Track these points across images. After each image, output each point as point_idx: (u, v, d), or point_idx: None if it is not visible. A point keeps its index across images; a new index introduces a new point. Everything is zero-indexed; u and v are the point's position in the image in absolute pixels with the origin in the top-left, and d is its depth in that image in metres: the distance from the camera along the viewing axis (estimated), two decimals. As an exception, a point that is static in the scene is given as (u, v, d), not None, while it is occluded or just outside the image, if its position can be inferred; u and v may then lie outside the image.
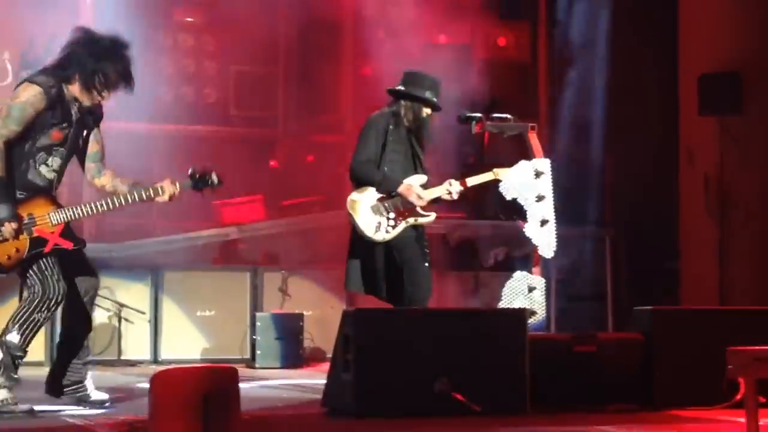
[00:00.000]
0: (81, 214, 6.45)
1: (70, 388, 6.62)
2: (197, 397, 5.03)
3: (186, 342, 9.95)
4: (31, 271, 6.40)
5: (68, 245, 6.42)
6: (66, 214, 6.41)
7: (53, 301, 6.41)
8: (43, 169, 6.42)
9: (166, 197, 6.60)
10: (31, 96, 6.35)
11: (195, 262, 10.88)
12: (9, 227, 6.23)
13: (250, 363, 9.71)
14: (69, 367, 6.62)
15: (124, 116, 9.94)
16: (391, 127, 7.60)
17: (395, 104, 7.70)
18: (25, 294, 6.48)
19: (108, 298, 9.65)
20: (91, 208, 6.47)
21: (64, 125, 6.43)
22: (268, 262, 11.29)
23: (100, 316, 9.37)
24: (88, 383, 6.66)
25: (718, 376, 5.49)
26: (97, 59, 6.45)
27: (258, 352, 9.66)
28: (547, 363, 6.52)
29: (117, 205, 6.50)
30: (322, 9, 12.26)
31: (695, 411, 6.52)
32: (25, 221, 6.31)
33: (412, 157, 7.69)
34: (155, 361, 9.78)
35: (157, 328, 9.89)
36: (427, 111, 7.70)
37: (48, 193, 6.43)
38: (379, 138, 7.57)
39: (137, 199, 6.55)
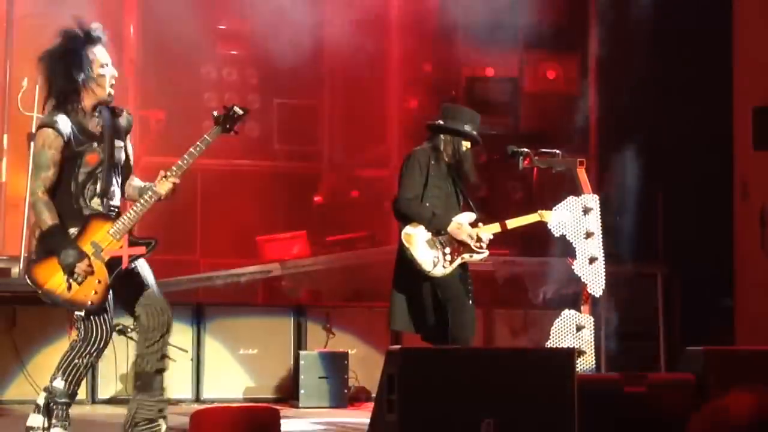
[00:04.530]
0: (134, 218, 6.55)
1: (143, 427, 6.69)
2: (237, 438, 5.08)
3: (228, 381, 9.98)
4: (77, 315, 6.55)
5: (141, 251, 6.56)
6: (123, 223, 6.52)
7: (95, 347, 6.54)
8: (95, 203, 6.55)
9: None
10: (44, 140, 6.49)
11: (237, 300, 10.94)
12: (82, 266, 6.38)
13: (294, 402, 9.73)
14: (140, 404, 6.70)
15: (168, 152, 10.06)
16: (432, 162, 7.67)
17: (434, 139, 7.78)
18: (73, 336, 6.63)
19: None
20: (136, 209, 6.55)
21: (94, 144, 6.54)
22: (311, 300, 11.33)
23: (141, 354, 9.43)
24: (162, 423, 6.74)
25: (774, 420, 5.45)
26: (68, 59, 6.54)
27: (302, 391, 9.67)
28: (596, 403, 6.49)
29: (151, 201, 6.55)
30: (366, 41, 12.34)
31: (750, 456, 6.46)
32: (92, 251, 6.44)
33: (455, 193, 7.75)
34: (197, 399, 9.82)
35: (200, 366, 9.93)
36: (466, 145, 7.77)
37: (97, 214, 6.54)
38: (422, 174, 7.63)
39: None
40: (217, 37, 13.48)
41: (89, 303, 6.45)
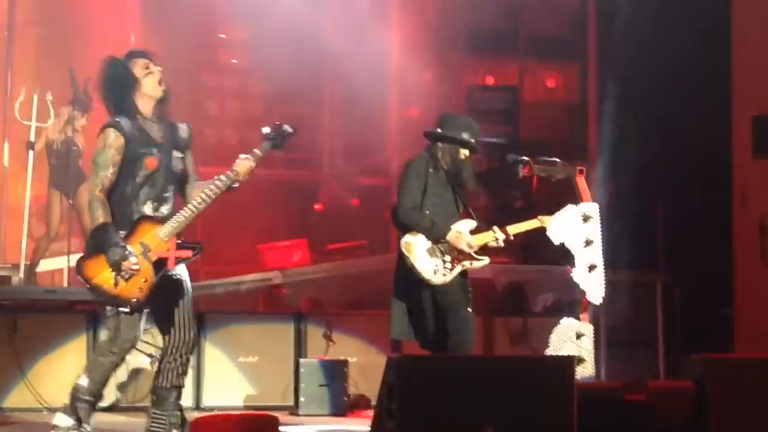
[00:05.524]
0: (185, 220, 6.60)
1: None
2: (236, 445, 5.06)
3: (229, 388, 9.96)
4: (109, 312, 6.63)
5: (187, 254, 6.61)
6: (171, 226, 6.58)
7: (118, 348, 6.62)
8: (147, 208, 6.62)
9: (242, 176, 6.71)
10: (107, 140, 6.59)
11: (238, 307, 10.92)
12: (128, 263, 6.44)
13: (294, 410, 9.71)
14: (153, 417, 6.74)
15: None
16: (430, 170, 7.66)
17: (432, 147, 7.77)
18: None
19: (149, 343, 9.72)
20: (189, 210, 6.61)
21: (154, 150, 6.64)
22: (312, 307, 11.31)
23: (141, 362, 9.42)
24: None
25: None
26: (123, 67, 6.69)
27: (302, 399, 9.66)
28: (595, 412, 6.47)
29: (207, 199, 6.62)
30: (367, 50, 12.33)
31: (750, 464, 6.44)
32: (140, 250, 6.50)
33: (454, 201, 7.73)
34: (197, 407, 9.79)
35: (200, 374, 9.91)
36: (464, 153, 7.75)
37: (147, 217, 6.61)
38: (421, 182, 7.61)
39: (221, 187, 6.66)
40: (218, 46, 13.49)
41: (134, 300, 6.51)
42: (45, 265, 11.45)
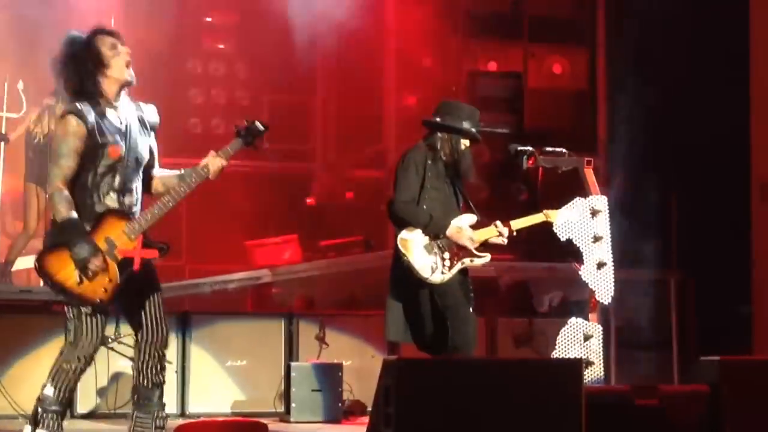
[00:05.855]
0: (152, 218, 6.57)
1: None
2: (222, 454, 5.05)
3: (216, 394, 9.96)
4: (70, 314, 6.55)
5: (153, 254, 6.58)
6: (139, 223, 6.54)
7: (83, 351, 6.56)
8: (109, 199, 6.55)
9: (212, 174, 6.68)
10: (68, 127, 6.49)
11: (225, 308, 10.92)
12: (95, 262, 6.39)
13: (285, 416, 9.72)
14: (137, 422, 6.72)
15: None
16: (429, 162, 7.64)
17: (431, 137, 7.76)
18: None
19: (130, 346, 9.71)
20: (158, 208, 6.59)
21: (117, 137, 6.56)
22: (303, 308, 11.32)
23: (123, 366, 9.39)
24: None
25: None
26: (74, 54, 6.58)
27: (293, 404, 9.66)
28: (605, 417, 6.47)
29: (177, 197, 6.61)
30: (362, 34, 12.32)
31: (768, 472, 6.45)
32: (106, 248, 6.45)
33: (454, 194, 7.73)
34: (183, 414, 9.81)
35: (185, 378, 9.91)
36: (465, 143, 7.75)
37: (113, 211, 6.55)
38: (419, 174, 7.60)
39: (192, 185, 6.64)
40: (203, 31, 13.49)
41: (98, 300, 6.47)
42: (21, 264, 11.44)
